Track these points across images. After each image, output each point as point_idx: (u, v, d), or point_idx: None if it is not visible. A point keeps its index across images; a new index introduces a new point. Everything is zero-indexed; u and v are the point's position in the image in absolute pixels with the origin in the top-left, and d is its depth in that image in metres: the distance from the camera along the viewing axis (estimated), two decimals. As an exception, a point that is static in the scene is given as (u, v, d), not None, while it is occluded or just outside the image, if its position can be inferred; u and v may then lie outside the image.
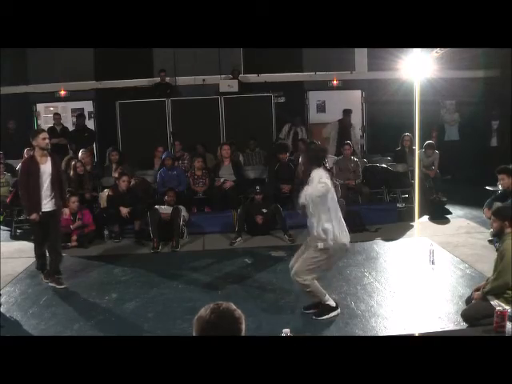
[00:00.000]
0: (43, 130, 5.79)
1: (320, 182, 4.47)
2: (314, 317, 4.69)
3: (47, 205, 5.57)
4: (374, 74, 11.94)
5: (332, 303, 4.71)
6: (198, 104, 10.56)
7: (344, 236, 4.60)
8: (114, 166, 8.97)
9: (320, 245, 4.52)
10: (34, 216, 5.50)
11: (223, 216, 8.08)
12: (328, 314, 4.67)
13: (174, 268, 6.39)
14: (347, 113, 10.76)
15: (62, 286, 5.70)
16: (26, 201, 5.58)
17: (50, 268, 5.79)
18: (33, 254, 6.20)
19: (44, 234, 5.69)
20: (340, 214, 4.65)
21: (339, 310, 4.73)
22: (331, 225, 4.51)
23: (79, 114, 11.34)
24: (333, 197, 4.58)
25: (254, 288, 5.56)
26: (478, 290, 4.33)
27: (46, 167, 5.51)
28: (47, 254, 5.85)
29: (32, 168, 5.47)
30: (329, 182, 4.55)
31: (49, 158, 5.55)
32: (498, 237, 4.62)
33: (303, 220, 7.81)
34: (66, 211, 5.96)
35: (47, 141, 5.52)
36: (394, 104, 10.74)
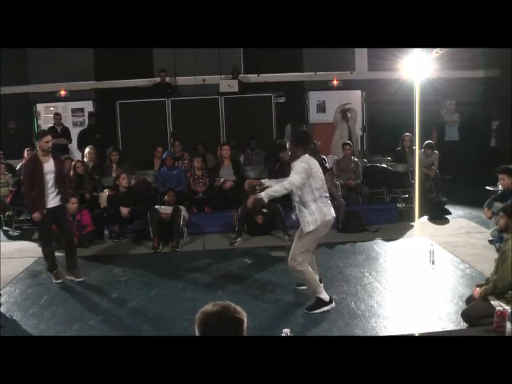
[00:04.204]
0: (47, 134, 5.99)
1: (296, 172, 4.57)
2: (305, 310, 4.78)
3: (52, 201, 5.75)
4: (374, 74, 11.95)
5: (325, 297, 4.77)
6: (198, 104, 10.55)
7: (330, 212, 4.74)
8: (114, 166, 8.98)
9: (307, 228, 4.64)
10: (35, 215, 5.69)
11: (223, 216, 8.08)
12: (320, 308, 4.75)
13: (174, 268, 6.39)
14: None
15: (81, 279, 5.88)
16: (29, 199, 5.82)
17: (67, 262, 5.95)
18: (33, 254, 6.22)
19: (50, 230, 5.88)
20: (325, 189, 4.78)
21: (333, 304, 4.80)
22: (317, 205, 4.64)
23: (91, 114, 11.38)
24: (316, 176, 4.67)
25: (254, 288, 5.56)
26: (479, 286, 4.33)
27: (49, 166, 5.73)
28: (55, 253, 5.99)
29: (35, 167, 5.70)
30: (306, 168, 4.61)
31: (51, 158, 5.78)
32: (504, 233, 4.65)
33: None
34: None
35: (50, 144, 5.77)
36: (394, 104, 10.73)
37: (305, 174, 4.57)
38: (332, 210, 4.81)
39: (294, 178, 4.54)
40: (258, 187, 4.96)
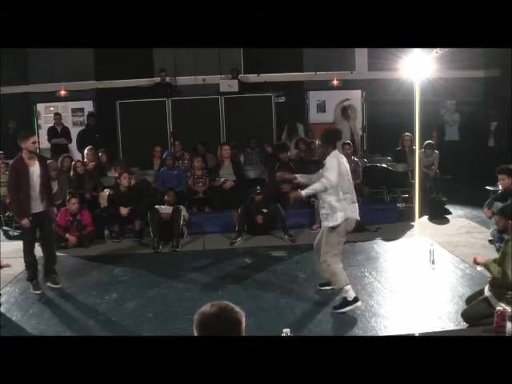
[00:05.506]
0: (33, 134, 5.74)
1: (330, 168, 4.63)
2: (333, 310, 4.79)
3: (38, 206, 5.49)
4: (374, 74, 11.95)
5: (352, 295, 4.77)
6: (198, 104, 10.56)
7: (353, 211, 4.81)
8: (107, 167, 9.09)
9: (329, 223, 4.74)
10: (25, 221, 5.40)
11: (223, 216, 8.08)
12: (346, 306, 4.75)
13: (174, 268, 6.39)
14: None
15: (58, 286, 5.70)
16: (15, 204, 5.56)
17: (45, 269, 5.75)
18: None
19: (34, 237, 5.58)
20: (352, 187, 4.85)
21: (360, 302, 4.79)
22: (340, 203, 4.72)
23: (90, 114, 11.36)
24: (342, 174, 4.74)
25: (254, 288, 5.56)
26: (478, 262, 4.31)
27: (35, 169, 5.45)
28: (37, 262, 5.69)
29: (21, 170, 5.40)
30: (337, 167, 4.67)
31: (36, 160, 5.48)
32: (503, 234, 4.65)
33: (303, 220, 7.85)
34: (54, 210, 5.73)
35: (37, 145, 5.51)
36: (394, 104, 10.73)
37: (338, 167, 4.66)
38: (357, 210, 4.87)
39: (332, 175, 4.62)
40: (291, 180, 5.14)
